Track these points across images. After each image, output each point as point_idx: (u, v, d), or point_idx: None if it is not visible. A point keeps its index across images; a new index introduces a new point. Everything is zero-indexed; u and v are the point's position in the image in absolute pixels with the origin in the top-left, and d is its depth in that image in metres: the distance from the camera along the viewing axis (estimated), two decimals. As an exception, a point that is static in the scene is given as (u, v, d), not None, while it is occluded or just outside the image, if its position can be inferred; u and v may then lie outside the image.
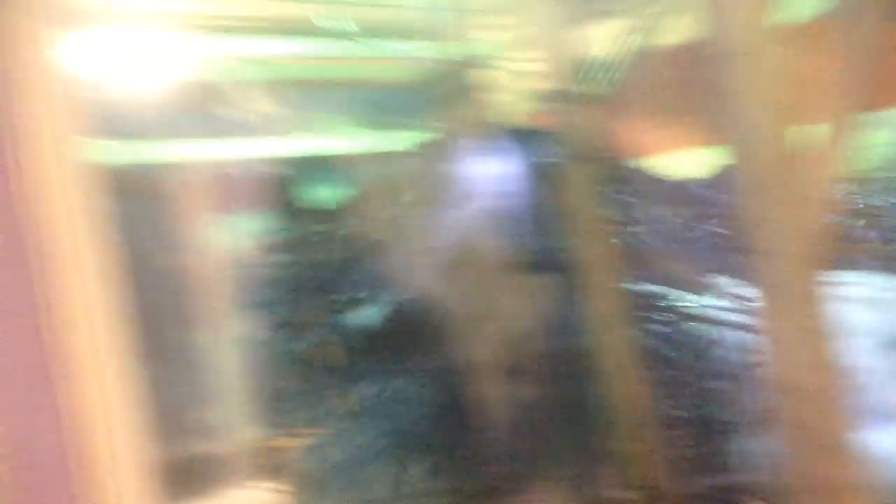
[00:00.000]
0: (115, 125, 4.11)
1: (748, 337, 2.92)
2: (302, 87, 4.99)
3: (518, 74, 5.23)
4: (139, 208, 4.29)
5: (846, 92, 2.26)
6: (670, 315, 3.09)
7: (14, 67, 2.12)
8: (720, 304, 3.08)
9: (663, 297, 3.13)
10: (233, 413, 4.14)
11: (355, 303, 3.70)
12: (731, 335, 3.00)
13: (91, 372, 2.06)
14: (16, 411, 2.00)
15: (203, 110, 4.52)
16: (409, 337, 3.54)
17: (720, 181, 3.63)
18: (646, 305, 3.11)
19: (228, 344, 4.14)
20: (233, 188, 4.47)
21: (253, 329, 4.06)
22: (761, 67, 2.28)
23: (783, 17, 2.38)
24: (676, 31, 4.28)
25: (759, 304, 2.25)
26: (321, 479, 3.63)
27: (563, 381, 3.15)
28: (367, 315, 3.68)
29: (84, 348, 2.09)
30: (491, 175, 3.53)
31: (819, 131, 2.26)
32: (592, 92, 2.96)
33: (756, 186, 2.25)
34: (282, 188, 4.52)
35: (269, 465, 4.00)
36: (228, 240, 4.48)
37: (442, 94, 3.93)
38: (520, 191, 3.43)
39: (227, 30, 4.50)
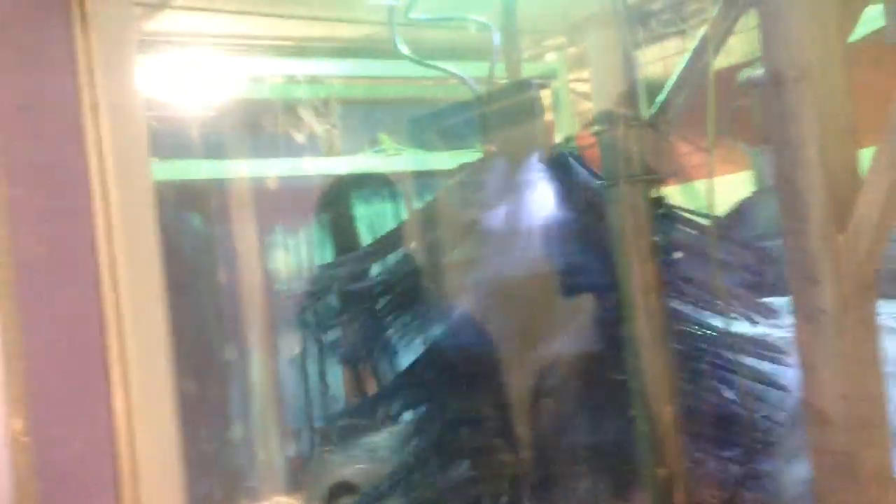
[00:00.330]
0: (173, 144, 4.19)
1: (787, 365, 2.87)
2: (356, 105, 5.05)
3: (570, 95, 5.23)
4: (194, 225, 4.37)
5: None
6: (710, 340, 3.06)
7: (98, 90, 2.19)
8: (761, 330, 3.04)
9: (704, 321, 3.10)
10: (267, 429, 4.18)
11: (402, 321, 3.72)
12: (770, 362, 2.96)
13: (134, 381, 2.10)
14: (51, 410, 2.04)
15: (258, 130, 4.59)
16: (454, 357, 3.54)
17: (764, 206, 3.59)
18: (686, 329, 3.07)
19: (270, 360, 4.18)
20: (286, 206, 4.53)
21: (296, 346, 4.10)
22: (814, 90, 2.24)
23: (839, 38, 2.34)
24: (730, 53, 4.25)
25: (798, 331, 2.21)
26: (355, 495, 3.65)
27: (601, 402, 3.14)
28: (412, 334, 3.70)
29: (129, 358, 2.13)
30: (539, 195, 3.52)
31: (871, 156, 2.22)
32: (642, 114, 2.94)
33: (802, 211, 2.21)
34: (334, 206, 4.57)
35: (301, 481, 4.03)
36: (279, 257, 4.54)
37: (494, 115, 3.94)
38: (567, 211, 3.42)
39: (281, 51, 4.58)
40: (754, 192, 4.35)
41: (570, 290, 3.25)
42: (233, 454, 4.18)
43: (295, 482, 4.10)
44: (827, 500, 2.16)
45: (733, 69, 4.34)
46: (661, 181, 2.90)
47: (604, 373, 3.09)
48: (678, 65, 3.05)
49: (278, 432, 4.19)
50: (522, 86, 3.90)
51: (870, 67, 2.73)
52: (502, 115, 3.87)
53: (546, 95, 4.94)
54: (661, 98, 2.96)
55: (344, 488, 3.78)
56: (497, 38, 3.93)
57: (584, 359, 3.20)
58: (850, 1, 2.37)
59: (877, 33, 3.14)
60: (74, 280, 2.12)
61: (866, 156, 2.24)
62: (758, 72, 4.16)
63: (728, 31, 2.97)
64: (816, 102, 2.23)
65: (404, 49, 3.85)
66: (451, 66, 4.03)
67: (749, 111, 3.92)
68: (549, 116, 5.06)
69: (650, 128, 2.88)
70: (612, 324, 2.92)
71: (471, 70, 4.03)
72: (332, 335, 3.96)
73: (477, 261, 3.57)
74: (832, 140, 2.23)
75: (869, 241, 2.14)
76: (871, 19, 3.01)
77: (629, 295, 2.80)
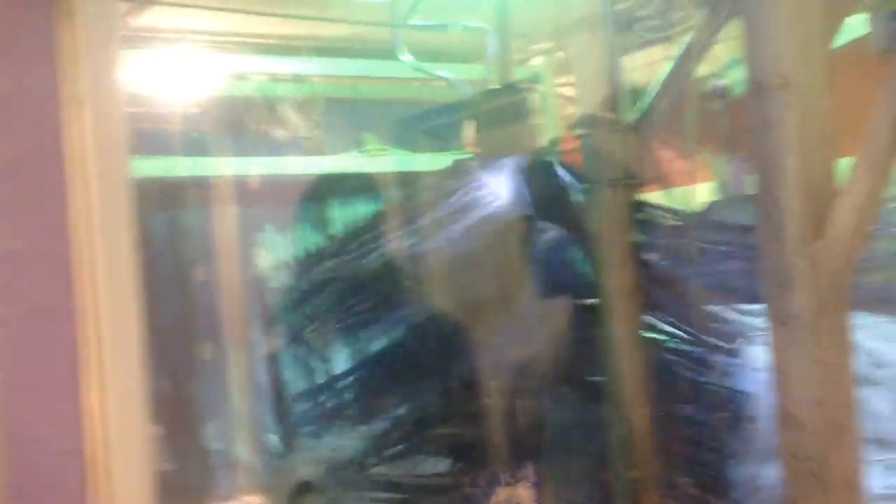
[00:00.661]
0: (156, 141, 4.18)
1: (760, 369, 2.88)
2: (341, 105, 5.04)
3: (555, 99, 5.24)
4: (173, 223, 4.35)
5: (882, 127, 2.22)
6: (685, 344, 3.07)
7: (80, 84, 2.18)
8: (735, 335, 3.06)
9: (679, 326, 3.11)
10: (237, 427, 4.16)
11: (379, 319, 3.72)
12: (744, 365, 2.97)
13: (107, 377, 2.09)
14: (22, 406, 2.03)
15: (242, 128, 4.58)
16: (428, 355, 3.55)
17: (744, 213, 3.59)
18: (662, 333, 3.09)
19: (245, 358, 4.17)
20: (270, 204, 4.52)
21: (273, 344, 4.09)
22: (796, 99, 2.26)
23: (821, 47, 2.35)
24: (714, 63, 4.26)
25: (772, 336, 2.22)
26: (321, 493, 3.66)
27: (576, 404, 3.15)
28: (388, 332, 3.70)
29: (103, 354, 2.12)
30: (521, 197, 3.53)
31: (850, 166, 2.23)
32: (624, 119, 2.96)
33: (780, 218, 2.22)
34: (315, 205, 4.55)
35: (267, 480, 4.03)
36: (261, 256, 4.52)
37: (482, 117, 3.95)
38: (548, 214, 3.43)
39: (267, 49, 4.57)
40: (715, 202, 4.34)
41: (549, 291, 3.27)
42: (202, 452, 4.17)
43: (261, 481, 4.10)
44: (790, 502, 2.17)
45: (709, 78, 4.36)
46: (641, 185, 2.92)
47: (580, 374, 3.10)
48: (662, 72, 3.07)
49: (248, 431, 4.18)
50: (511, 89, 3.92)
51: (849, 76, 2.75)
52: (491, 117, 3.89)
53: (534, 99, 4.96)
54: (643, 103, 2.98)
55: (307, 488, 3.79)
56: (493, 43, 3.96)
57: (560, 360, 3.21)
58: (832, 10, 2.39)
59: (858, 42, 3.17)
60: (50, 274, 2.11)
61: (843, 165, 2.25)
62: (722, 82, 4.18)
63: (712, 39, 2.99)
64: (797, 111, 2.25)
65: (406, 56, 3.86)
66: (442, 69, 4.04)
67: (714, 120, 3.94)
68: (536, 119, 5.07)
69: (632, 132, 2.90)
70: (589, 326, 2.93)
71: (457, 72, 4.04)
72: (306, 333, 3.96)
73: (457, 259, 3.58)
74: (812, 149, 2.25)
75: (845, 249, 2.16)
76: (853, 27, 3.04)
77: (607, 298, 2.81)
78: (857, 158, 2.20)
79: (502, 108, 3.88)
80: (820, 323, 2.13)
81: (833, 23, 2.41)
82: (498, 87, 3.99)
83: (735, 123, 3.77)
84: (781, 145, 2.25)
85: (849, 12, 2.53)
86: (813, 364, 2.13)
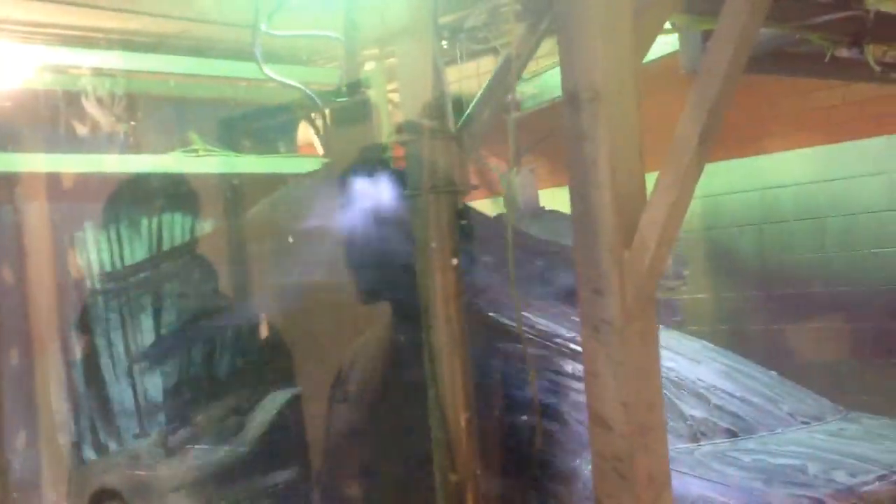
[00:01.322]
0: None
1: (575, 370, 2.98)
2: (167, 102, 4.89)
3: (387, 104, 5.26)
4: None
5: (686, 141, 2.32)
6: (505, 346, 3.14)
7: None
8: (553, 338, 3.15)
9: (500, 328, 3.18)
10: (45, 434, 3.99)
11: (194, 324, 3.64)
12: (561, 367, 3.07)
13: None
14: None
15: (55, 123, 4.38)
16: (248, 360, 3.50)
17: (560, 219, 3.73)
18: (483, 336, 3.15)
19: (53, 362, 3.99)
20: (83, 202, 4.33)
21: (85, 348, 3.94)
22: (607, 112, 2.33)
23: (632, 63, 2.44)
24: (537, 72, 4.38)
25: (584, 340, 2.30)
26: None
27: (396, 406, 3.17)
28: (206, 337, 3.63)
29: None
30: (349, 202, 3.53)
31: (659, 176, 2.32)
32: (446, 127, 2.99)
33: (592, 227, 2.30)
34: (130, 205, 4.41)
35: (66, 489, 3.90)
36: (73, 256, 4.32)
37: (328, 119, 3.94)
38: (374, 219, 3.44)
39: (84, 42, 4.37)
40: (501, 214, 4.42)
41: (370, 297, 3.27)
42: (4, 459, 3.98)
43: (64, 488, 3.95)
44: (605, 503, 2.25)
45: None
46: (462, 193, 2.96)
47: (401, 379, 3.12)
48: (488, 81, 3.13)
49: (54, 437, 4.00)
50: (354, 92, 3.93)
51: (660, 92, 2.88)
52: (338, 120, 3.88)
53: (364, 104, 4.97)
54: (466, 113, 3.02)
55: (107, 495, 3.69)
56: (318, 45, 3.95)
57: (382, 365, 3.22)
58: (643, 28, 2.48)
59: (668, 59, 3.34)
60: None
61: (653, 178, 2.35)
62: (516, 97, 4.32)
63: (531, 53, 3.07)
64: (608, 123, 2.33)
65: (267, 68, 3.80)
66: (288, 71, 4.00)
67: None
68: (366, 124, 5.07)
69: (454, 141, 2.94)
70: (412, 331, 2.95)
71: (306, 75, 4.01)
72: (117, 340, 3.83)
73: (282, 267, 3.54)
74: (622, 159, 2.33)
75: (651, 257, 2.25)
76: (665, 45, 3.19)
77: (429, 302, 2.84)
78: (662, 171, 2.30)
79: (348, 111, 3.88)
80: (628, 327, 2.22)
81: (644, 40, 2.51)
82: (341, 91, 3.99)
83: (525, 137, 3.88)
84: (593, 156, 2.32)
85: (659, 31, 2.64)
86: (620, 367, 2.21)
